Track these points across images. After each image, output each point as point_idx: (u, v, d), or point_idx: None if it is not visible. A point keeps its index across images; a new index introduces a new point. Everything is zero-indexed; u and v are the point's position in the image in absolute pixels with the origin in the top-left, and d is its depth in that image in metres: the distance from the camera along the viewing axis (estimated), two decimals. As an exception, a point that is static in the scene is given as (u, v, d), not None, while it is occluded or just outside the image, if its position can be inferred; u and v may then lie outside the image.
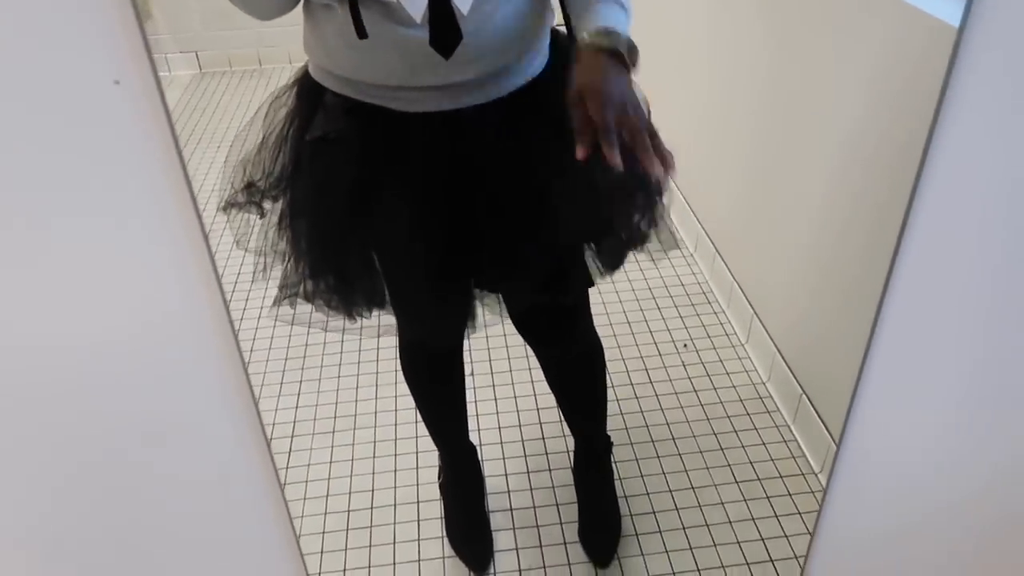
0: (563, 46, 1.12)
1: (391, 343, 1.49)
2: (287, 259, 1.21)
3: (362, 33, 0.97)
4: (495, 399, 1.87)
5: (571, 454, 1.65)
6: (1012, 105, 0.77)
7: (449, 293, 1.24)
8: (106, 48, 0.48)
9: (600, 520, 1.56)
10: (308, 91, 1.12)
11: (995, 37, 0.74)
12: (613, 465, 1.63)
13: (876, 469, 1.00)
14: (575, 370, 1.45)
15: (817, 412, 1.67)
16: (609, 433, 1.62)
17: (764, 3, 1.77)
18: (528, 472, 1.69)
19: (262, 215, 1.20)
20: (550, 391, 1.52)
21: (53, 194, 0.54)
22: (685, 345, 2.01)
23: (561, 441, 1.75)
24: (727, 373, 1.92)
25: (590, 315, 1.36)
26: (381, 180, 1.10)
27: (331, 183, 1.13)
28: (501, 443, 1.76)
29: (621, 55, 0.95)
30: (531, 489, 1.66)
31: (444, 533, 1.57)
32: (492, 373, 1.93)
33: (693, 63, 2.18)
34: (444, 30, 0.98)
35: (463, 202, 1.11)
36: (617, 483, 1.63)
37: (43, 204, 0.55)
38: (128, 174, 0.55)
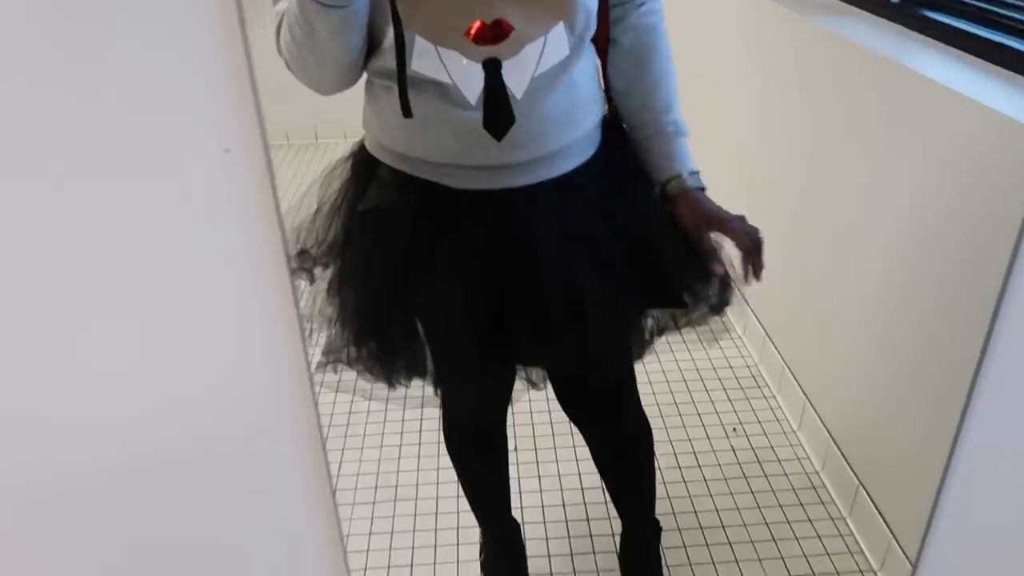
0: (612, 135, 1.15)
1: (434, 413, 1.47)
2: (332, 325, 1.22)
3: (407, 112, 1.00)
4: (538, 476, 1.82)
5: (617, 537, 1.60)
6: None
7: (492, 366, 1.23)
8: (216, 118, 0.50)
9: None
10: (363, 165, 1.15)
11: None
12: (661, 552, 1.57)
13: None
14: (622, 450, 1.41)
15: (876, 506, 1.59)
16: (657, 517, 1.56)
17: (818, 89, 1.77)
18: (572, 555, 1.64)
19: (312, 281, 1.22)
20: (596, 470, 1.48)
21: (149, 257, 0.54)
22: (735, 429, 1.96)
23: (606, 523, 1.69)
24: (779, 460, 1.86)
25: (637, 394, 1.33)
26: (429, 253, 1.11)
27: (380, 253, 1.14)
28: (544, 523, 1.71)
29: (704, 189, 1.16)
30: (575, 573, 1.60)
31: (483, 615, 1.52)
32: (536, 449, 1.89)
33: (743, 139, 2.18)
34: (497, 113, 1.01)
35: (507, 278, 1.11)
36: (665, 570, 1.57)
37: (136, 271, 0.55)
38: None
